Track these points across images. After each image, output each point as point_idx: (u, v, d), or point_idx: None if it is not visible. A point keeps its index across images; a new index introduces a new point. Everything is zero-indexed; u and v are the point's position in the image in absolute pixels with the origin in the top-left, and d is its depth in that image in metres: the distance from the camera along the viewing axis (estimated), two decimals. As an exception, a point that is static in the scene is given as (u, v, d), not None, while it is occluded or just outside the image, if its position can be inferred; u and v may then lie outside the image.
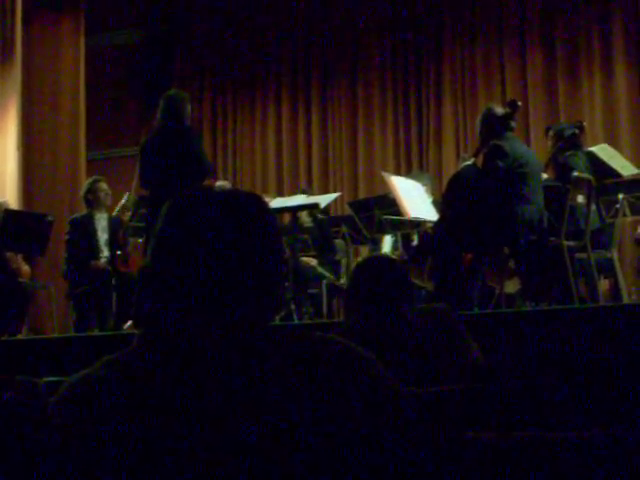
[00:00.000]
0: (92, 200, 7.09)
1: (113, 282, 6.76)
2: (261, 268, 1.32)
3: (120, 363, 1.30)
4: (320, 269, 7.38)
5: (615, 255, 6.09)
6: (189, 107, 6.02)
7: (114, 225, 7.07)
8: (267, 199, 7.89)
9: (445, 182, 6.75)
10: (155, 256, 1.34)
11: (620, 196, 6.23)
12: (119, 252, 7.01)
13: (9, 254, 6.93)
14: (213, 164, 6.31)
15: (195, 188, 1.43)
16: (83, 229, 7.02)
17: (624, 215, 6.30)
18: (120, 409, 1.23)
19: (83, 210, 7.25)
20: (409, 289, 2.90)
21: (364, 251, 8.07)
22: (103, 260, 6.94)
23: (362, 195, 9.71)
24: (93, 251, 6.96)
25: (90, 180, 7.35)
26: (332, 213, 8.93)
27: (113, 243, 7.01)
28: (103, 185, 7.15)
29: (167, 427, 1.21)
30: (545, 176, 6.07)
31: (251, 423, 1.20)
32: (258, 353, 1.26)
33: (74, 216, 7.30)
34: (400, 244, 7.35)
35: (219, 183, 8.64)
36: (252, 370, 1.24)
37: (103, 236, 7.03)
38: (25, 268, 7.41)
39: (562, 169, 6.01)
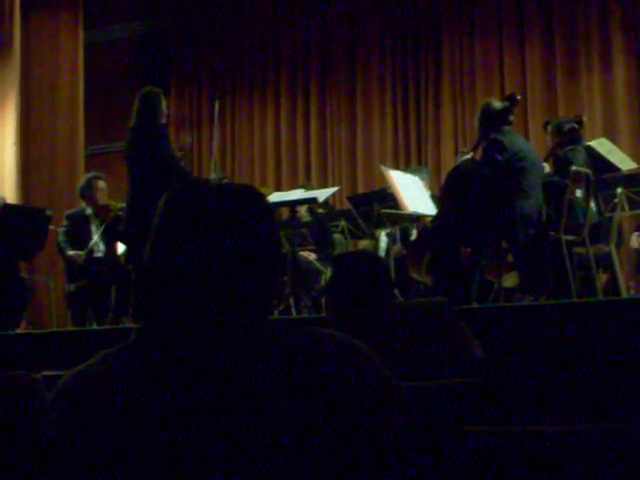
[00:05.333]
0: (88, 197, 7.08)
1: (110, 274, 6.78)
2: (258, 261, 1.32)
3: (118, 357, 1.30)
4: (319, 264, 7.38)
5: (613, 249, 6.09)
6: (164, 103, 6.06)
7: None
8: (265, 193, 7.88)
9: (443, 177, 6.75)
10: (152, 249, 1.34)
11: (619, 190, 6.23)
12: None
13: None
14: (184, 168, 6.33)
15: (191, 181, 1.43)
16: (78, 225, 7.01)
17: (622, 209, 6.30)
18: (118, 403, 1.23)
19: (81, 203, 7.24)
20: (387, 282, 2.90)
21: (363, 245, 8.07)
22: (99, 254, 6.95)
23: (361, 190, 9.71)
24: (88, 247, 6.96)
25: (89, 176, 7.29)
26: (336, 207, 8.92)
27: (108, 236, 6.99)
28: (101, 183, 7.09)
29: (165, 421, 1.21)
30: (547, 169, 6.07)
31: (248, 416, 1.20)
32: (255, 347, 1.26)
33: (69, 212, 7.28)
34: (399, 239, 7.35)
35: (214, 177, 8.64)
36: (249, 364, 1.24)
37: (97, 232, 7.02)
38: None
39: (561, 163, 6.01)
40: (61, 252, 7.07)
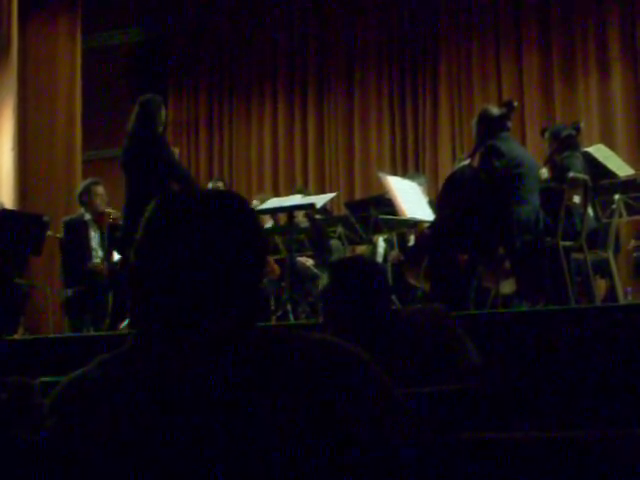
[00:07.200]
0: (87, 202, 7.05)
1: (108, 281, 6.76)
2: (241, 267, 1.32)
3: (114, 363, 1.30)
4: (316, 269, 7.38)
5: (611, 255, 6.09)
6: (163, 112, 6.08)
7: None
8: (257, 200, 7.90)
9: (441, 183, 6.75)
10: (138, 257, 1.35)
11: (616, 196, 6.23)
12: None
13: None
14: (187, 171, 6.37)
15: (177, 190, 1.44)
16: (76, 232, 6.99)
17: (620, 216, 6.30)
18: (114, 409, 1.23)
19: (79, 209, 7.23)
20: (384, 288, 2.90)
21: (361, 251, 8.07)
22: (97, 261, 6.93)
23: (358, 195, 9.72)
24: (87, 253, 6.94)
25: (87, 182, 7.27)
26: (333, 213, 8.91)
27: (106, 243, 6.97)
28: (100, 189, 7.06)
29: (160, 426, 1.20)
30: (545, 175, 6.07)
31: (242, 422, 1.20)
32: (248, 353, 1.26)
33: (67, 218, 7.26)
34: (396, 244, 7.35)
35: (211, 184, 8.65)
36: (243, 370, 1.23)
37: (96, 238, 7.01)
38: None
39: (559, 170, 6.01)
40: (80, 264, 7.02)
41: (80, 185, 7.42)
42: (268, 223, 8.01)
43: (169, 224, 1.33)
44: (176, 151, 6.25)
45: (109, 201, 7.24)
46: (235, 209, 1.36)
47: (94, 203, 7.01)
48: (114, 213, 6.96)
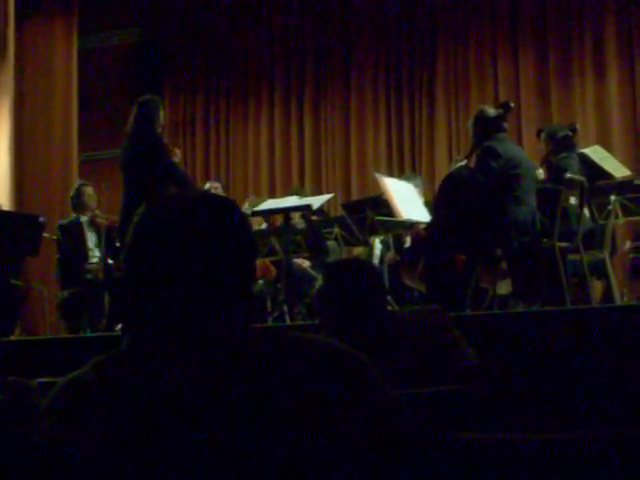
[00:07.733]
0: (78, 204, 7.14)
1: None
2: (231, 272, 1.32)
3: (110, 364, 1.30)
4: (312, 271, 7.38)
5: (607, 256, 6.10)
6: (162, 113, 6.09)
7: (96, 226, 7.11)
8: (247, 204, 7.90)
9: (438, 184, 6.76)
10: (128, 261, 1.35)
11: (612, 198, 6.24)
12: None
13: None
14: (185, 174, 6.39)
15: (166, 195, 1.44)
16: (71, 234, 7.04)
17: (616, 217, 6.31)
18: (110, 410, 1.23)
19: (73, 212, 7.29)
20: (379, 289, 2.90)
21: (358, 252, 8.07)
22: (94, 261, 6.95)
23: (355, 197, 9.71)
24: (83, 254, 6.96)
25: (77, 184, 7.44)
26: (330, 214, 8.92)
27: (103, 244, 7.00)
28: (88, 189, 7.22)
29: (156, 428, 1.20)
30: (542, 175, 6.08)
31: (237, 424, 1.20)
32: (243, 354, 1.26)
33: (62, 222, 7.32)
34: (392, 246, 7.35)
35: (208, 184, 8.64)
36: (237, 371, 1.24)
37: (92, 239, 7.05)
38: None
39: (555, 171, 6.02)
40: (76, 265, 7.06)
41: (72, 191, 7.50)
42: (262, 224, 8.01)
43: (158, 229, 1.33)
44: (177, 153, 6.25)
45: (109, 202, 7.31)
46: (225, 213, 1.36)
47: (86, 203, 7.11)
48: (100, 215, 7.07)
